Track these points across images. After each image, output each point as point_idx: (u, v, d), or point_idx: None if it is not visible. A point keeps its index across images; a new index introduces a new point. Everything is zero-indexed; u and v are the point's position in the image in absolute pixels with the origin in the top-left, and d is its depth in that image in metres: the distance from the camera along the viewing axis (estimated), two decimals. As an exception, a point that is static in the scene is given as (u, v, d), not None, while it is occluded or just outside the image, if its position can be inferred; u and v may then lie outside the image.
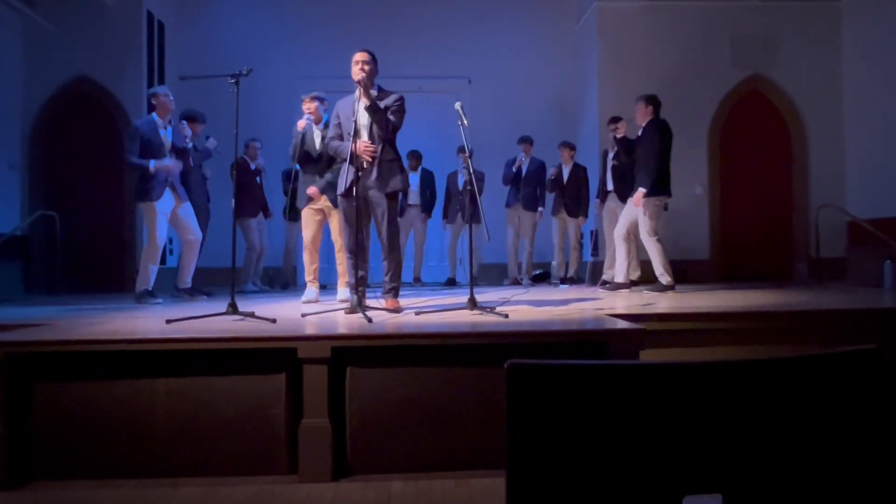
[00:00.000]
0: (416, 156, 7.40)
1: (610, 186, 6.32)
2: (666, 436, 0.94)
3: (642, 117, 5.72)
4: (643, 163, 5.57)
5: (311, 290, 4.98)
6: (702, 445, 0.95)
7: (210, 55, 7.94)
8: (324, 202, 4.93)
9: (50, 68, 7.30)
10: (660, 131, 5.55)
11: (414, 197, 7.36)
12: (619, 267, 5.77)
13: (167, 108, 5.36)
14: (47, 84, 7.33)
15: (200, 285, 5.90)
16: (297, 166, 5.06)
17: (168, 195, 5.25)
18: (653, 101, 5.70)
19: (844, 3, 7.75)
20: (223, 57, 7.73)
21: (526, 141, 7.21)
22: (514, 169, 7.18)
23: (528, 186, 7.16)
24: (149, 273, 5.15)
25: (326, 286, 6.72)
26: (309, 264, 5.01)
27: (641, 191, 5.45)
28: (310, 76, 7.76)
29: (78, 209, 7.22)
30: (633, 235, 5.70)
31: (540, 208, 7.18)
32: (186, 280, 5.59)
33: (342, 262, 4.90)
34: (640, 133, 5.77)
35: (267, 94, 7.90)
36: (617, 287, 5.69)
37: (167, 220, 5.25)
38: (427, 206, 7.51)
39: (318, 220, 4.98)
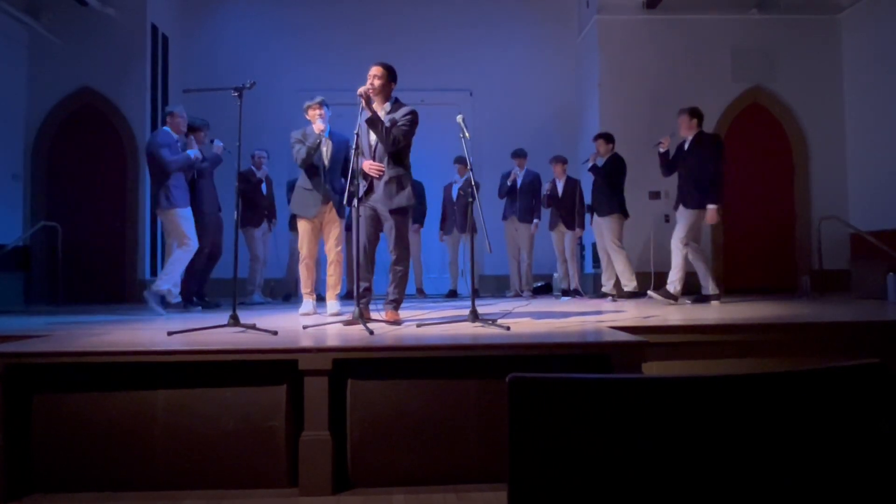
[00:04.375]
0: None
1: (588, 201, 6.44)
2: (669, 450, 0.94)
3: (687, 130, 5.68)
4: (696, 177, 5.51)
5: (309, 302, 4.92)
6: (705, 460, 0.94)
7: (214, 68, 8.00)
8: (329, 211, 4.86)
9: (54, 80, 7.36)
10: (716, 145, 5.55)
11: None
12: (702, 279, 5.70)
13: (180, 130, 5.54)
14: (51, 95, 7.39)
15: (192, 296, 5.89)
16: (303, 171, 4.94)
17: (189, 203, 5.42)
18: (696, 113, 5.66)
19: (844, 15, 7.79)
20: (227, 69, 7.80)
21: (520, 155, 7.29)
22: (508, 182, 7.25)
23: (524, 199, 7.21)
24: (175, 276, 5.23)
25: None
26: (307, 277, 4.94)
27: (712, 208, 5.42)
28: (313, 88, 7.75)
29: (80, 220, 7.24)
30: (690, 243, 5.62)
31: (535, 220, 7.21)
32: (175, 293, 5.56)
33: (333, 273, 4.86)
34: (685, 146, 5.72)
35: (270, 106, 7.94)
36: (705, 298, 5.63)
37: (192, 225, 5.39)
38: (418, 216, 7.47)
39: (317, 234, 4.90)
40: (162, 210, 5.33)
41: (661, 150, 5.85)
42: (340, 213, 4.85)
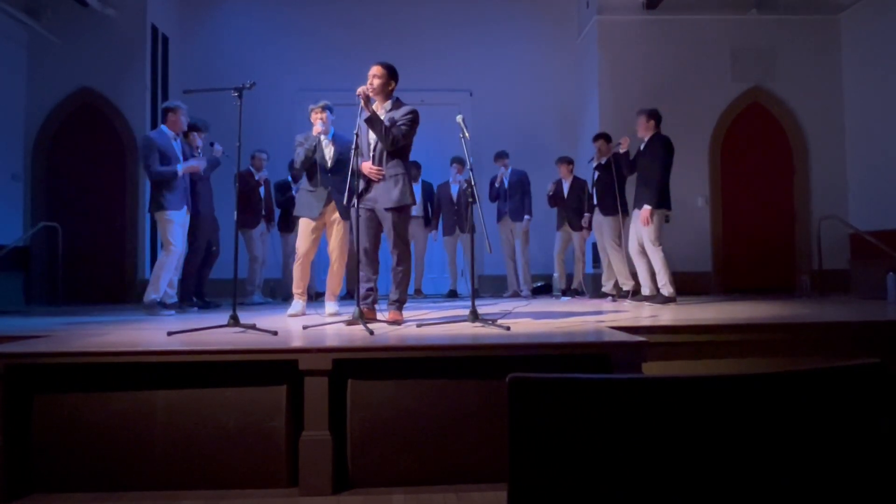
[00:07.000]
0: (416, 167, 7.43)
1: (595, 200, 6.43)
2: (669, 450, 0.94)
3: (644, 131, 5.72)
4: (647, 178, 5.57)
5: (298, 303, 4.86)
6: (705, 460, 0.94)
7: (214, 68, 8.00)
8: (332, 212, 4.83)
9: (54, 80, 7.36)
10: (664, 147, 5.57)
11: (415, 208, 7.38)
12: (643, 280, 5.71)
13: (180, 126, 5.44)
14: (51, 95, 7.39)
15: (191, 296, 5.89)
16: (289, 177, 4.94)
17: (185, 206, 5.31)
18: (654, 115, 5.72)
19: (844, 15, 7.80)
20: (227, 70, 7.80)
21: (502, 156, 7.35)
22: (497, 185, 7.32)
23: (513, 198, 7.25)
24: (161, 283, 5.13)
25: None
26: (300, 278, 4.87)
27: (647, 209, 5.44)
28: (313, 89, 7.81)
29: (80, 220, 7.24)
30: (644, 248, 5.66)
31: (527, 216, 7.24)
32: (171, 294, 5.55)
33: (335, 274, 4.84)
34: (641, 147, 5.77)
35: (270, 106, 7.94)
36: (644, 299, 5.64)
37: (182, 230, 5.28)
38: (429, 218, 7.56)
39: (317, 235, 4.86)
40: (154, 211, 5.25)
41: (621, 150, 5.92)
42: (344, 214, 4.80)
